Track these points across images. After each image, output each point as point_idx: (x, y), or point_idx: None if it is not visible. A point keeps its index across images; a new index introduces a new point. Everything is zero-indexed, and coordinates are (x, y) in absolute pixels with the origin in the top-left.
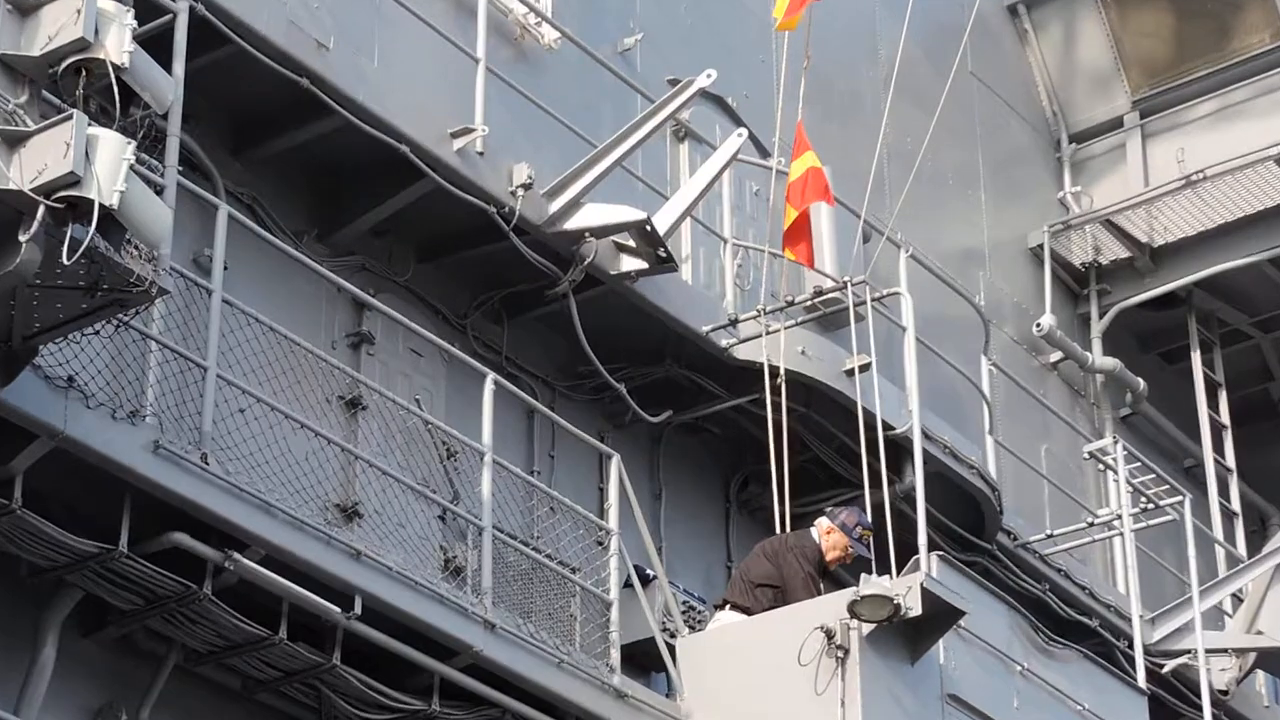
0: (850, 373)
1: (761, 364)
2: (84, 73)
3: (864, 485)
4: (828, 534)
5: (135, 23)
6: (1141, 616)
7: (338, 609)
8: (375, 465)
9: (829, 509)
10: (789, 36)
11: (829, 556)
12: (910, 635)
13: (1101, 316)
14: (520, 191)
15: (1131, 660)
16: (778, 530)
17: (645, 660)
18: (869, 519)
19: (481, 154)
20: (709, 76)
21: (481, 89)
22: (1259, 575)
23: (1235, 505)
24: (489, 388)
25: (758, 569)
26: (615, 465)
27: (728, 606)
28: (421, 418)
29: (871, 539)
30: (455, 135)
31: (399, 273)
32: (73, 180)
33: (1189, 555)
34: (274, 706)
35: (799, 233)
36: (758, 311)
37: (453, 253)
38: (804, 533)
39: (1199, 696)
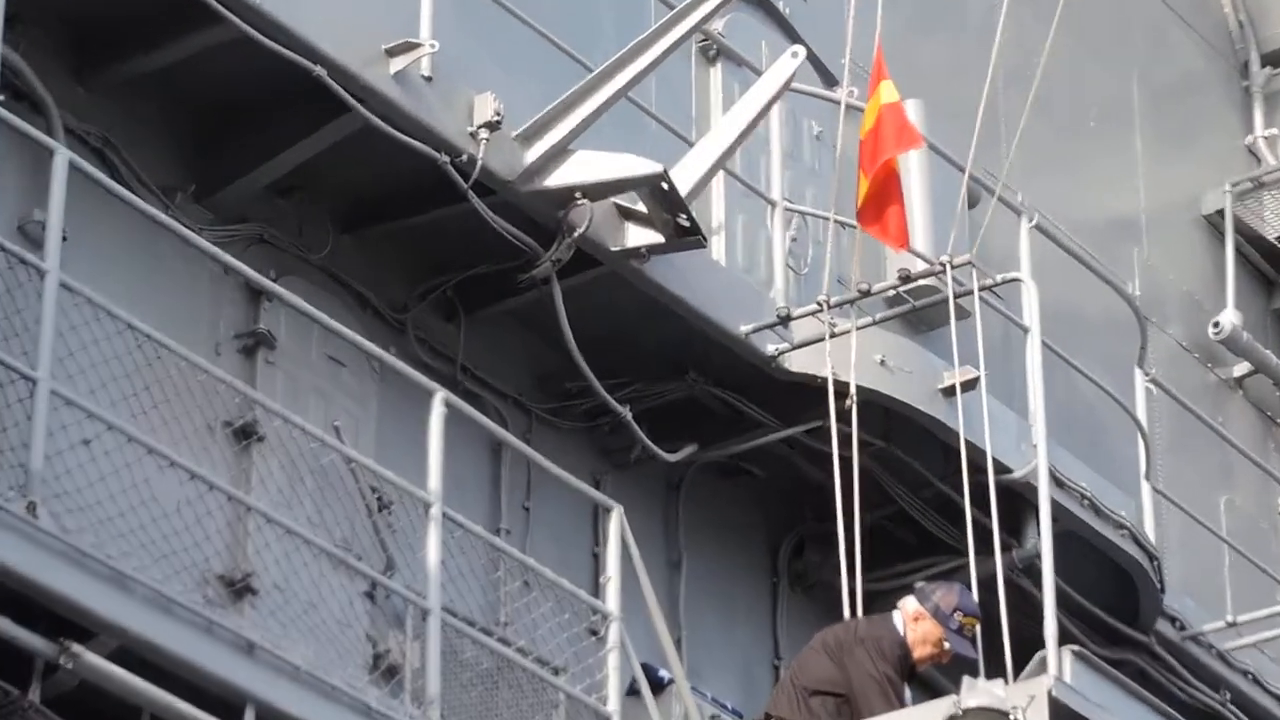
0: (950, 392)
1: (824, 379)
2: None
3: (968, 552)
4: (916, 621)
5: None
6: None
7: None
8: (276, 521)
9: (919, 585)
10: None
11: (917, 653)
12: None
13: None
14: (484, 133)
15: None
16: (845, 615)
17: None
18: (975, 601)
19: (429, 79)
20: None
21: None
22: None
23: None
24: (438, 410)
25: (815, 669)
26: (616, 521)
27: None
28: (342, 453)
29: (979, 629)
30: (393, 53)
31: (312, 248)
32: None
33: None
34: None
35: (882, 200)
36: (819, 305)
37: (388, 220)
38: (883, 619)
39: None
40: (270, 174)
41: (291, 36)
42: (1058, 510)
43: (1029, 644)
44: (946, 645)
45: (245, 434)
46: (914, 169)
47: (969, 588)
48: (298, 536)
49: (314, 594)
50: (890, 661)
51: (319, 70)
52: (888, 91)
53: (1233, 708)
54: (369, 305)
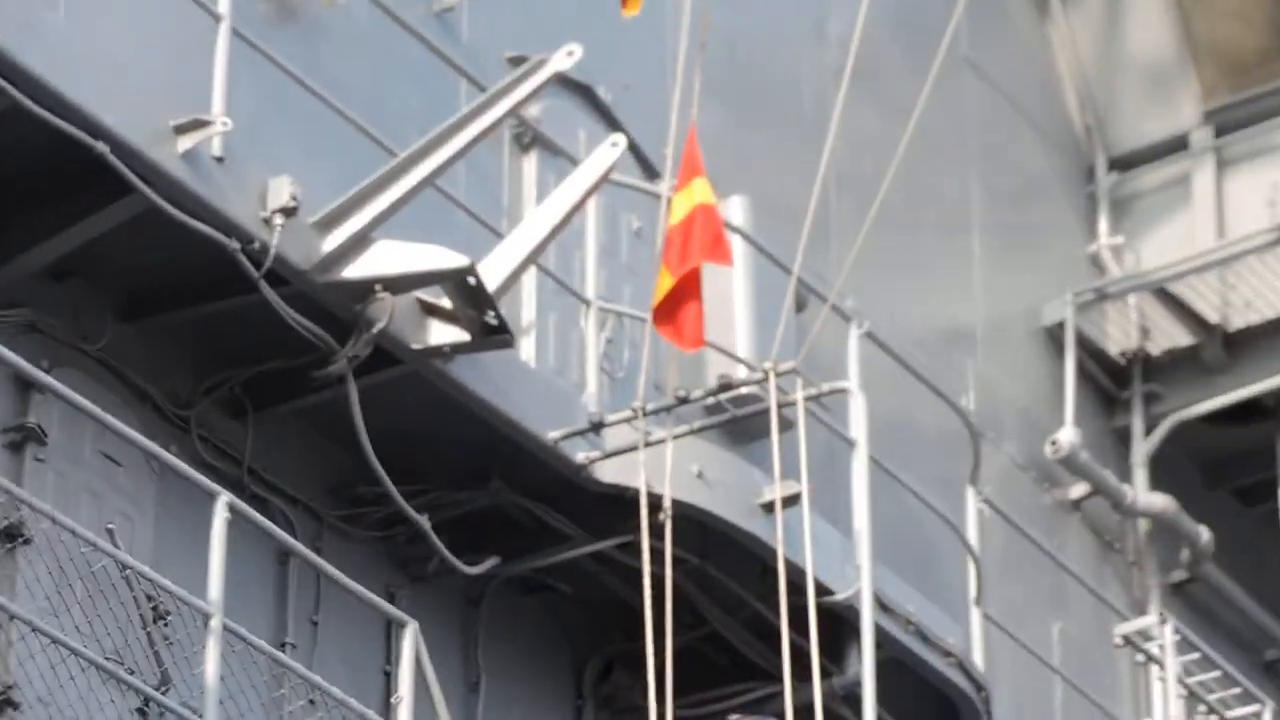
0: (770, 507)
1: (637, 490)
2: None
3: (785, 678)
4: None
5: None
6: None
7: None
8: (42, 630)
9: (733, 718)
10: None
11: None
12: None
13: (1149, 433)
14: (279, 219)
15: None
16: None
17: None
18: None
19: (221, 160)
20: (570, 55)
21: (223, 62)
22: None
23: None
24: (220, 515)
25: None
26: (410, 638)
27: None
28: (116, 558)
29: None
30: (182, 130)
31: (89, 337)
32: None
33: None
34: None
35: (679, 297)
36: (633, 412)
37: (173, 309)
38: None
39: None
40: (45, 256)
41: (71, 109)
42: (881, 636)
43: None
44: None
45: (10, 536)
46: (739, 269)
47: (784, 717)
48: (65, 647)
49: (82, 710)
50: None
51: (101, 147)
52: (703, 190)
53: None
54: (149, 400)
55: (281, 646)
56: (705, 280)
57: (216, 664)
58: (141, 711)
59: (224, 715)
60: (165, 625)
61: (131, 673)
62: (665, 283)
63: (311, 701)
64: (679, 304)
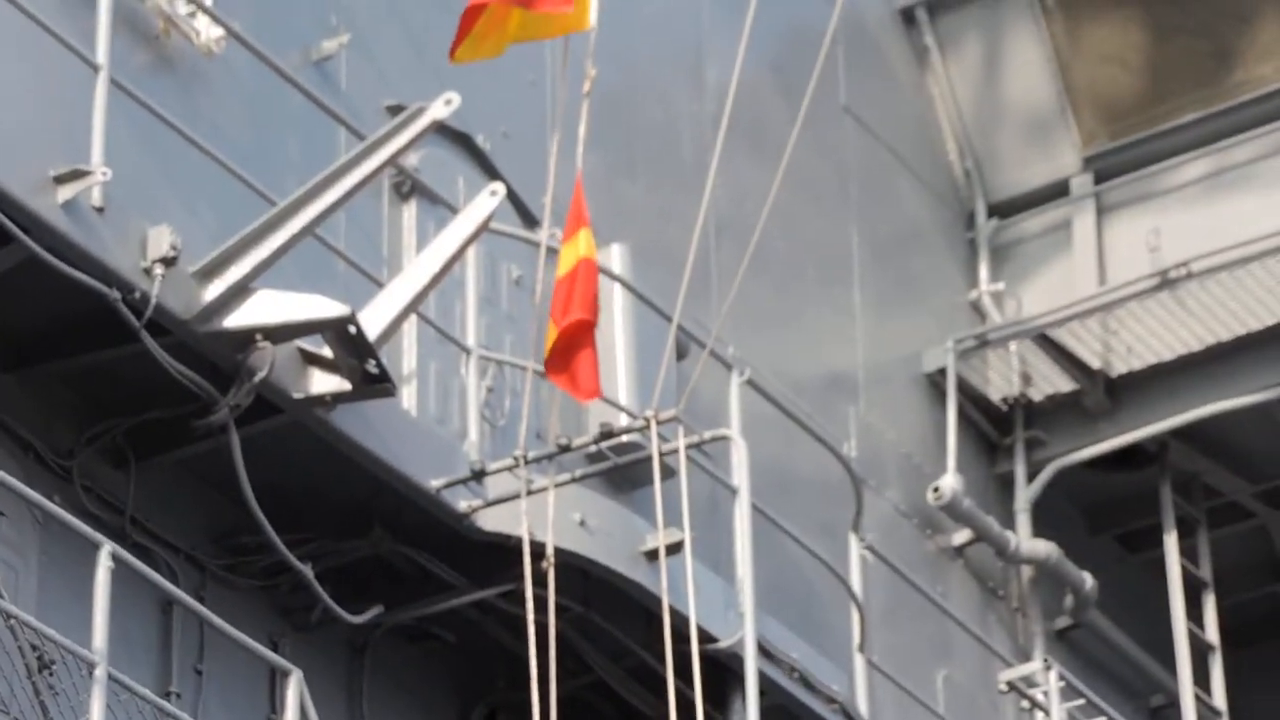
0: (653, 555)
1: (520, 539)
2: None
3: None
4: None
5: None
6: None
7: None
8: None
9: None
10: (571, 47)
11: None
12: None
13: (1032, 479)
14: (159, 269)
15: None
16: None
17: None
18: None
19: (100, 210)
20: (448, 104)
21: (102, 112)
22: None
23: None
24: (104, 564)
25: None
26: (295, 687)
27: None
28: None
29: None
30: (61, 180)
31: None
32: None
33: None
34: None
35: (572, 347)
36: (515, 460)
37: (54, 359)
38: None
39: None
40: None
41: None
42: (766, 683)
43: None
44: None
45: None
46: (618, 317)
47: None
48: None
49: None
50: None
51: None
52: (586, 242)
53: None
54: (31, 450)
55: (166, 695)
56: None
57: (102, 713)
58: None
59: None
60: (50, 675)
61: None
62: (555, 333)
63: None
64: (572, 354)
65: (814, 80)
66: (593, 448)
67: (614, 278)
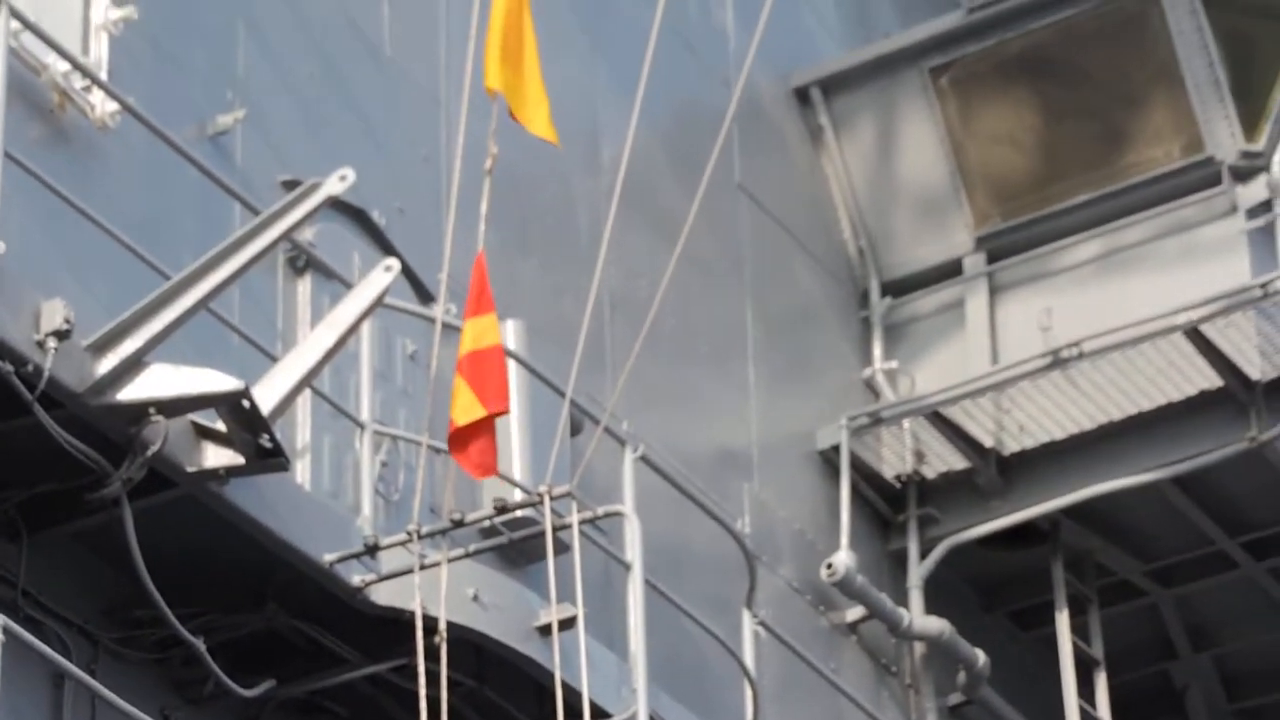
0: (546, 630)
1: (412, 613)
2: None
3: None
4: None
5: None
6: None
7: None
8: None
9: None
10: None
11: None
12: None
13: (925, 556)
14: (52, 342)
15: None
16: None
17: None
18: None
19: None
20: (343, 179)
21: None
22: None
23: None
24: None
25: None
26: None
27: None
28: None
29: None
30: None
31: None
32: None
33: None
34: None
35: (475, 429)
36: (408, 535)
37: None
38: None
39: None
40: None
41: None
42: None
43: None
44: None
45: None
46: (513, 393)
47: None
48: None
49: None
50: None
51: None
52: (492, 329)
53: None
54: None
55: None
56: None
57: None
58: None
59: None
60: None
61: None
62: (466, 406)
63: None
64: (472, 435)
65: (712, 159)
66: (487, 523)
67: (509, 354)
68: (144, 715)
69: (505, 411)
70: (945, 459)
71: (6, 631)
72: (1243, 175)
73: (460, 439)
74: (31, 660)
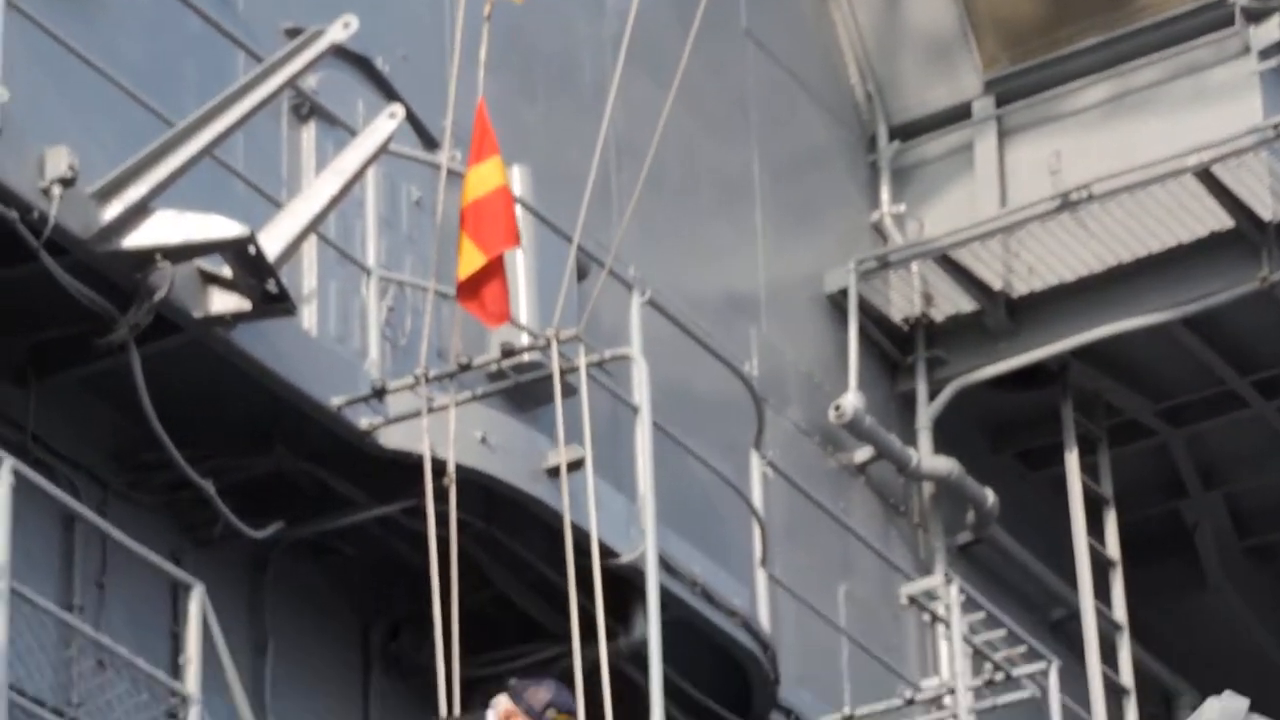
0: (554, 472)
1: (420, 455)
2: None
3: (572, 638)
4: None
5: None
6: None
7: None
8: None
9: (511, 683)
10: None
11: None
12: None
13: (933, 397)
14: (57, 189)
15: None
16: (441, 702)
17: None
18: (569, 697)
19: None
20: (346, 26)
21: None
22: None
23: (1126, 677)
24: (6, 480)
25: None
26: (197, 600)
27: None
28: None
29: None
30: None
31: None
32: None
33: None
34: None
35: (483, 273)
36: (415, 378)
37: None
38: (478, 717)
39: None
40: None
41: None
42: (667, 597)
43: None
44: None
45: None
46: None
47: (569, 680)
48: None
49: None
50: None
51: None
52: (497, 171)
53: None
54: None
55: (69, 609)
56: None
57: (5, 627)
58: None
59: (13, 675)
60: None
61: None
62: (469, 258)
63: (100, 663)
64: (482, 281)
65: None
66: (494, 367)
67: (515, 200)
68: (154, 556)
69: (517, 244)
70: (954, 301)
71: (17, 475)
72: (1255, 16)
73: (470, 288)
74: (42, 503)
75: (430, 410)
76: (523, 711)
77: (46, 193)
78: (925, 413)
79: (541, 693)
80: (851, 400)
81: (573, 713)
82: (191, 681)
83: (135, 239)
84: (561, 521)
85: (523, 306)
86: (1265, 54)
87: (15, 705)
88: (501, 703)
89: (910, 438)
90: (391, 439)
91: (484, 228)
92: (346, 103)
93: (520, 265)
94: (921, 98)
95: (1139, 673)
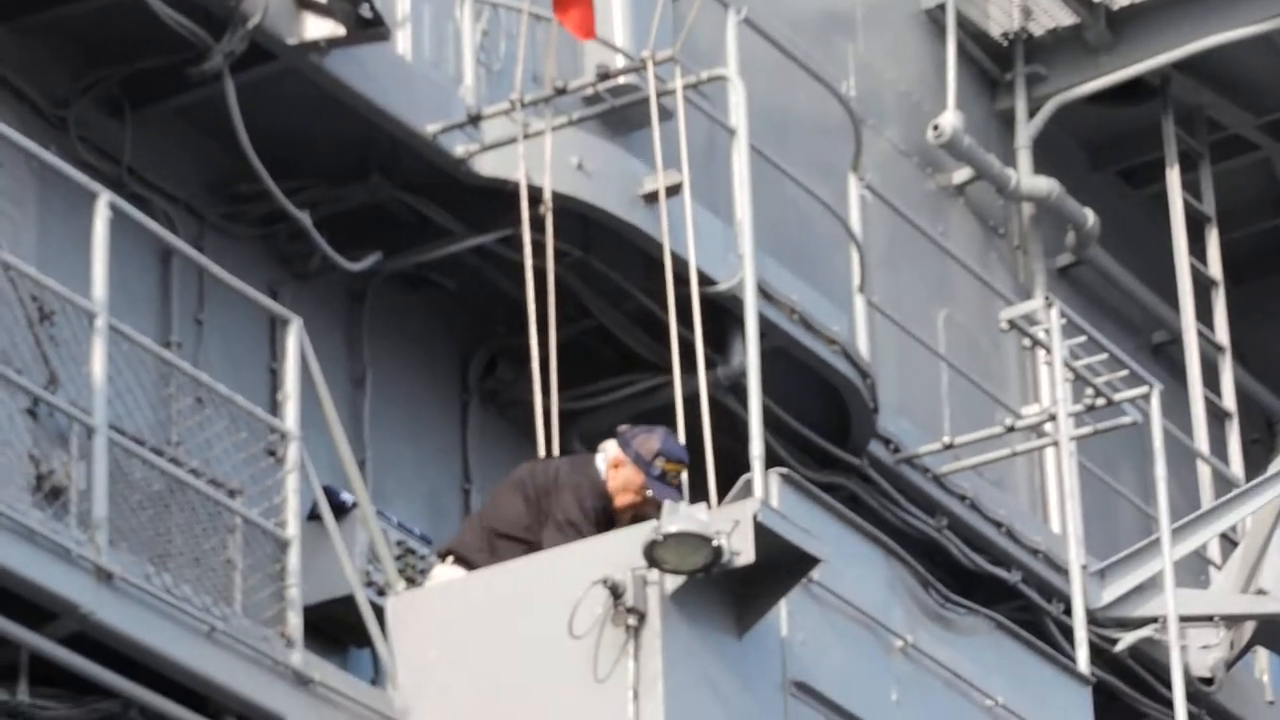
0: (651, 198)
1: (517, 182)
2: None
3: (672, 368)
4: (616, 468)
5: None
6: (1086, 568)
7: None
8: None
9: (620, 430)
10: None
11: (618, 501)
12: (738, 594)
13: (1033, 115)
14: None
15: (1069, 632)
16: (540, 440)
17: (340, 629)
18: (680, 445)
19: None
20: None
21: None
22: (1262, 507)
23: (1228, 401)
24: (102, 214)
25: (508, 510)
26: (295, 334)
27: (450, 560)
28: None
29: (684, 475)
30: None
31: None
32: None
33: (1157, 476)
34: None
35: None
36: (511, 103)
37: (47, 7)
38: (586, 461)
39: (1169, 687)
40: None
41: None
42: (765, 325)
43: (736, 467)
44: (649, 493)
45: None
46: None
47: (675, 432)
48: None
49: None
50: (587, 513)
51: None
52: None
53: (949, 534)
54: (26, 100)
55: (167, 345)
56: None
57: (103, 363)
58: (30, 412)
59: (112, 414)
60: (50, 325)
61: (19, 373)
62: None
63: (199, 400)
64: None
65: None
66: (589, 90)
67: None
68: (251, 290)
69: None
70: (1053, 14)
71: (113, 208)
72: None
73: (562, 3)
74: (139, 237)
75: (526, 136)
76: (631, 460)
77: None
78: (1024, 131)
79: (652, 441)
80: (950, 119)
81: (683, 463)
82: (290, 417)
83: None
84: (659, 248)
85: (618, 28)
86: None
87: (114, 444)
88: (610, 449)
89: (1009, 157)
90: (486, 166)
91: None
92: None
93: None
94: None
95: (1241, 396)
